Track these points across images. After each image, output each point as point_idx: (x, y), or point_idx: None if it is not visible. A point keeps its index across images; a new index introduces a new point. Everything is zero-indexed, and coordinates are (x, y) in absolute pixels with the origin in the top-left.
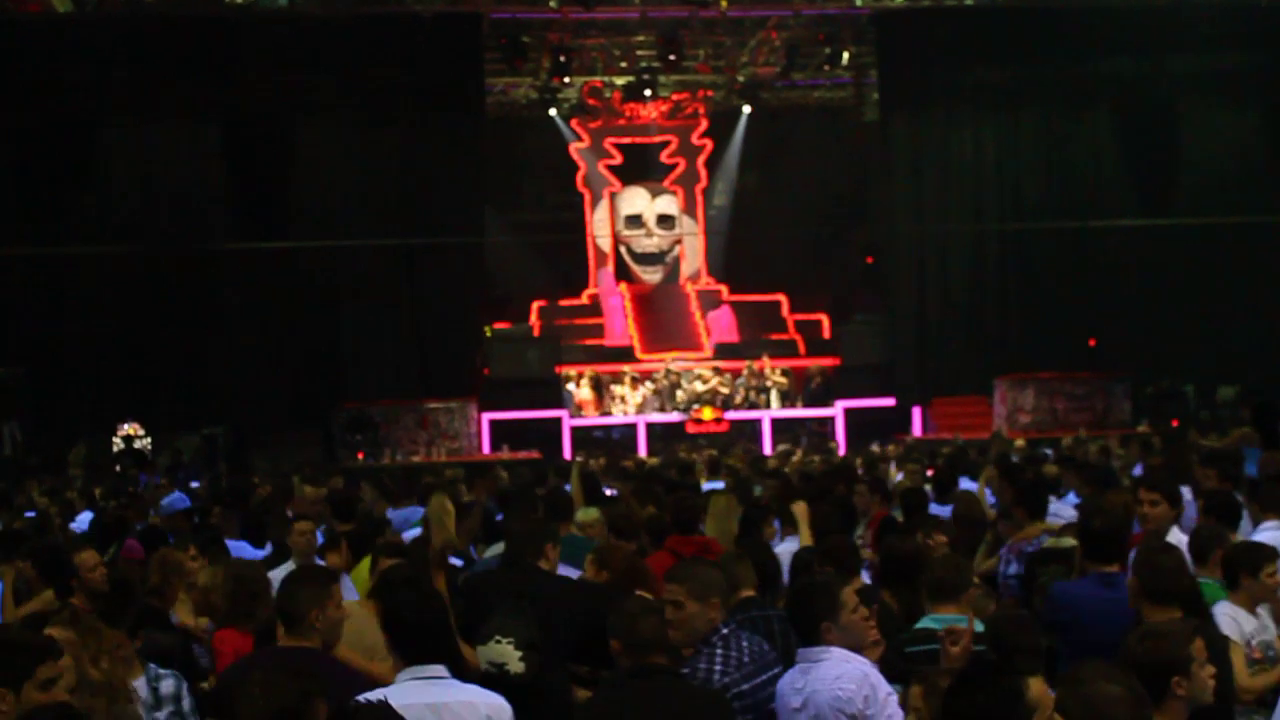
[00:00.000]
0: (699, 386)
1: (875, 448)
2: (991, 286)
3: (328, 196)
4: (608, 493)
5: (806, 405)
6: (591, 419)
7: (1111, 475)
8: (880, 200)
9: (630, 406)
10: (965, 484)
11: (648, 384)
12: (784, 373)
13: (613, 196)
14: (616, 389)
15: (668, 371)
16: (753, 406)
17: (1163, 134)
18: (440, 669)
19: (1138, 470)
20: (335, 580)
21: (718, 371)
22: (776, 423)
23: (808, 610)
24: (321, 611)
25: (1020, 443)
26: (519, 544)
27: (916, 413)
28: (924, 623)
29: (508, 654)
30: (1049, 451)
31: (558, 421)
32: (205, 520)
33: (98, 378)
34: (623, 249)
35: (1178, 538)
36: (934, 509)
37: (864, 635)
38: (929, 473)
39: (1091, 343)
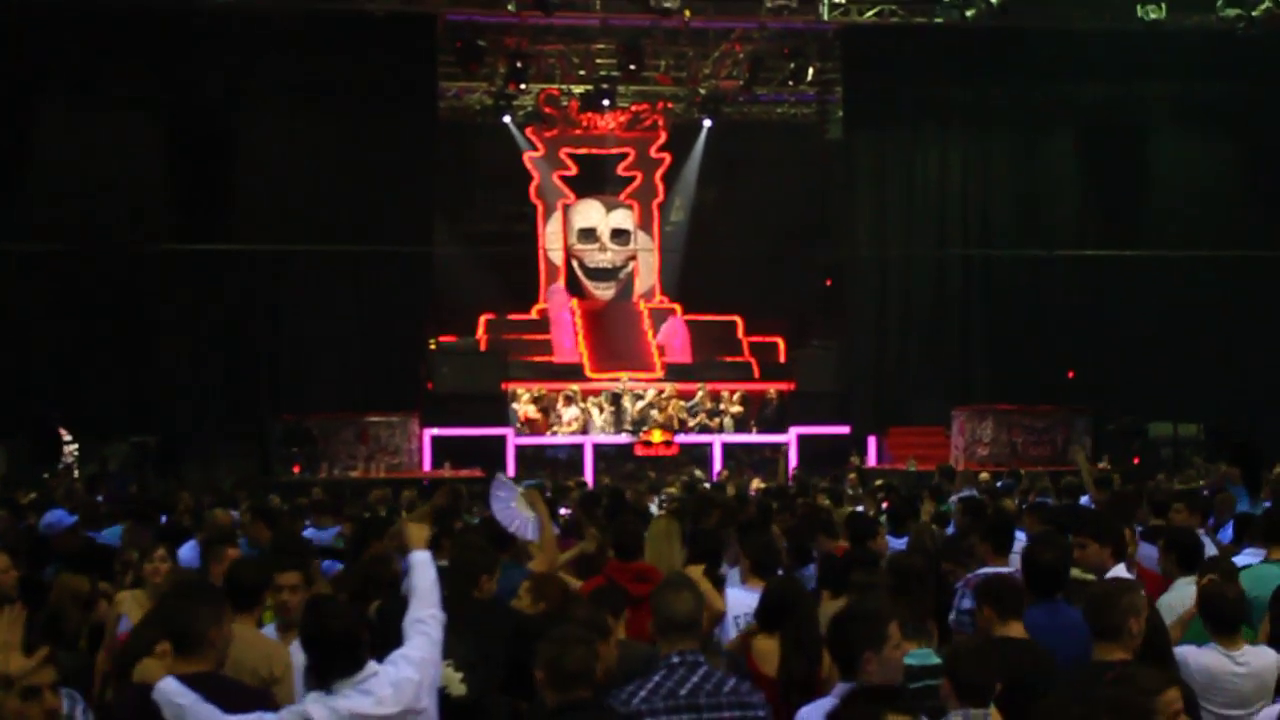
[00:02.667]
0: (654, 413)
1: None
2: (953, 313)
3: (273, 198)
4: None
5: (760, 430)
6: (537, 438)
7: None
8: (842, 221)
9: (577, 426)
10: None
11: (597, 403)
12: (742, 399)
13: (566, 209)
14: (564, 408)
15: (617, 394)
16: (705, 430)
17: (1132, 161)
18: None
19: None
20: (224, 596)
21: (678, 396)
22: (728, 448)
23: (850, 638)
24: (219, 629)
25: (985, 476)
26: (453, 572)
27: (872, 441)
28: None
29: (448, 676)
30: (1008, 484)
31: (502, 440)
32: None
33: (26, 380)
34: (575, 263)
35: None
36: (890, 542)
37: (897, 672)
38: (884, 504)
39: (1070, 375)
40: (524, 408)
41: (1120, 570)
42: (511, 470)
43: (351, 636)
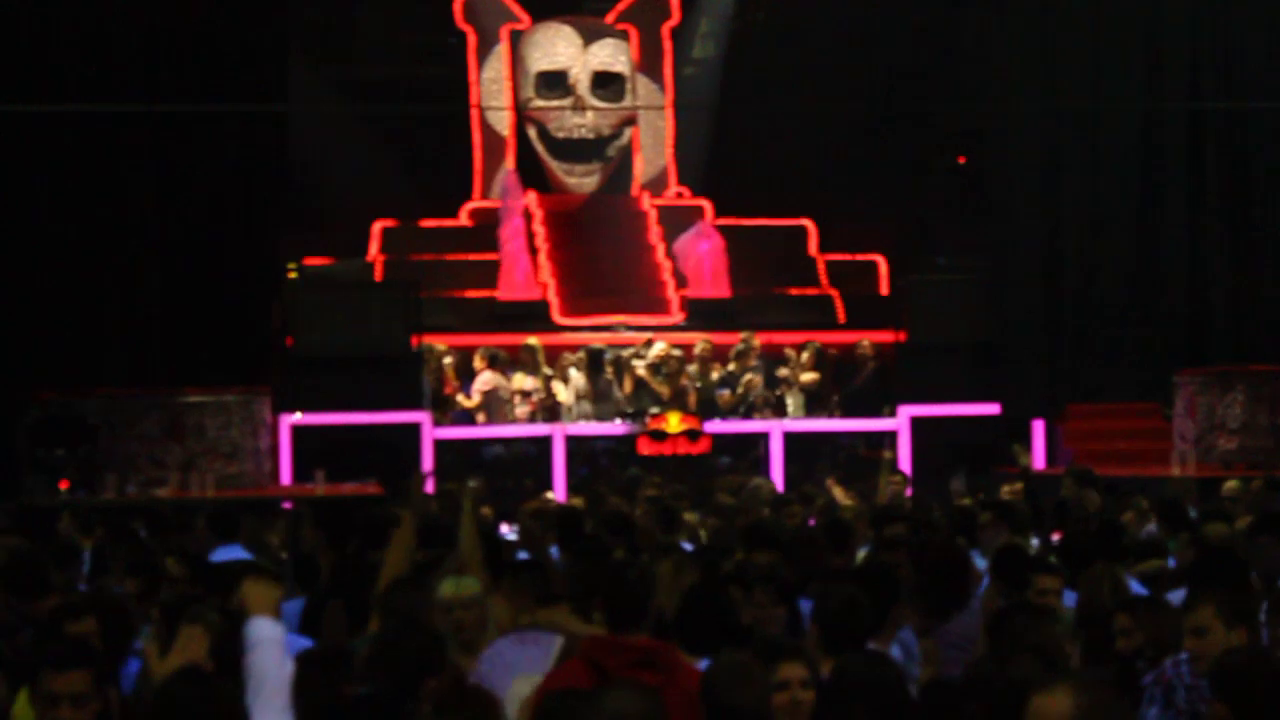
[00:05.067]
0: (660, 383)
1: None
2: (1174, 211)
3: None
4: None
5: (847, 413)
6: (472, 427)
7: None
8: (984, 60)
9: (536, 408)
10: None
11: (572, 365)
12: (816, 356)
13: (516, 39)
14: (516, 377)
15: (604, 352)
16: (753, 412)
17: None
18: None
19: None
20: None
21: (707, 354)
22: (794, 440)
23: None
24: None
25: (1232, 484)
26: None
27: (1039, 428)
28: None
29: None
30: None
31: (414, 430)
32: None
33: None
34: (532, 132)
35: None
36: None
37: None
38: (1055, 537)
39: None
40: (449, 377)
41: None
42: (430, 483)
43: None
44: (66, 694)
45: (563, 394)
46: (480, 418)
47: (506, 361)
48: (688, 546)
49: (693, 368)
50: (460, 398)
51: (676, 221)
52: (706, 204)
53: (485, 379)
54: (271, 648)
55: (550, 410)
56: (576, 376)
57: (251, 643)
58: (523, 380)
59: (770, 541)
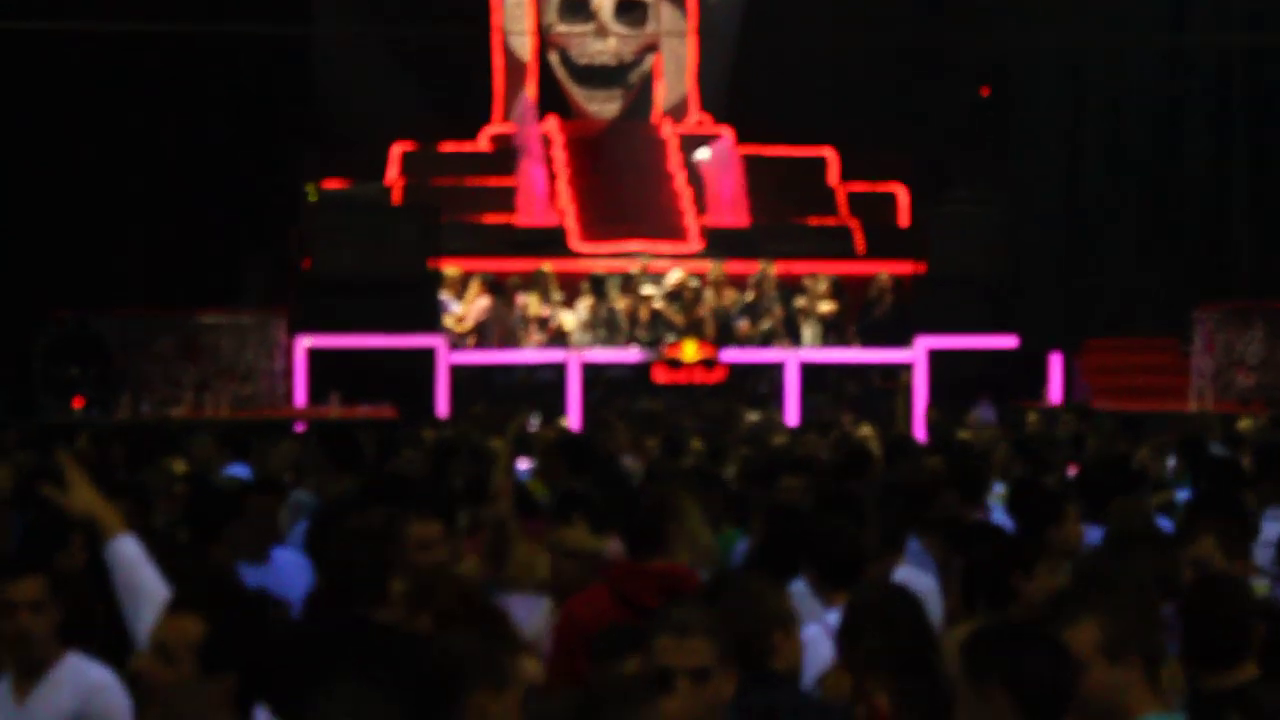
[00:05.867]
0: (673, 311)
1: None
2: (1196, 146)
3: None
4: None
5: (865, 342)
6: (490, 353)
7: None
8: None
9: (562, 333)
10: None
11: (588, 294)
12: (834, 290)
13: None
14: (533, 302)
15: (608, 279)
16: (770, 341)
17: None
18: None
19: None
20: None
21: (724, 282)
22: (811, 371)
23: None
24: None
25: (1246, 423)
26: (344, 582)
27: (1056, 361)
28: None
29: None
30: None
31: (428, 355)
32: None
33: None
34: (554, 58)
35: None
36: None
37: None
38: (1072, 470)
39: None
40: (468, 302)
41: None
42: (444, 406)
43: None
44: (23, 602)
45: (569, 321)
46: (470, 341)
47: (517, 286)
48: None
49: (709, 293)
50: (448, 320)
51: (697, 149)
52: (728, 131)
53: (481, 305)
54: (137, 568)
55: (560, 336)
56: (582, 304)
57: (115, 560)
58: (536, 306)
59: (797, 466)
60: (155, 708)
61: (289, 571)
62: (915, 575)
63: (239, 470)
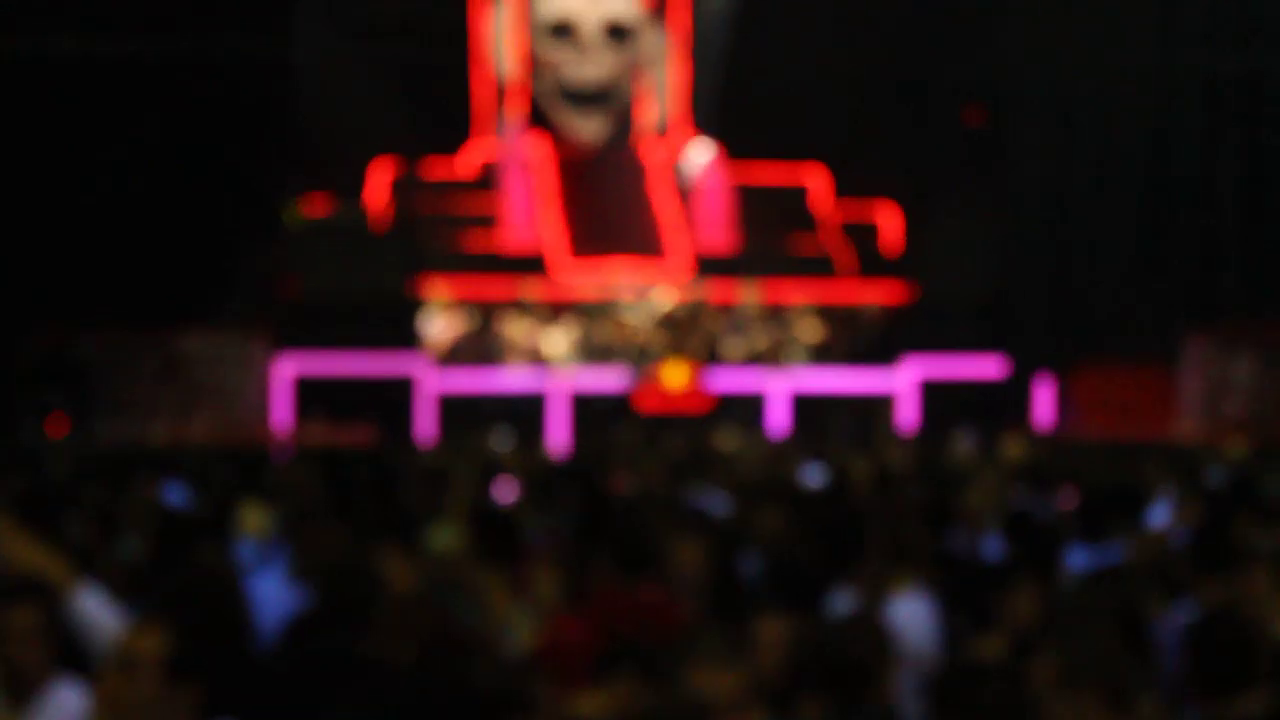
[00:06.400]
0: (657, 332)
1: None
2: (1188, 169)
3: None
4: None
5: (854, 364)
6: (471, 377)
7: None
8: (998, 12)
9: (543, 355)
10: None
11: (572, 317)
12: (821, 309)
13: None
14: (517, 325)
15: (594, 303)
16: (757, 364)
17: None
18: None
19: None
20: None
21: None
22: (800, 397)
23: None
24: None
25: (1237, 450)
26: (330, 611)
27: (1045, 387)
28: None
29: None
30: None
31: (412, 376)
32: None
33: None
34: (541, 80)
35: None
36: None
37: None
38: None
39: None
40: (448, 324)
41: None
42: (426, 430)
43: None
44: (17, 629)
45: (553, 345)
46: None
47: (500, 309)
48: None
49: (695, 319)
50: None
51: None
52: (716, 149)
53: (445, 327)
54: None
55: (542, 360)
56: (566, 328)
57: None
58: (517, 329)
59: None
60: None
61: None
62: (913, 602)
63: (175, 491)
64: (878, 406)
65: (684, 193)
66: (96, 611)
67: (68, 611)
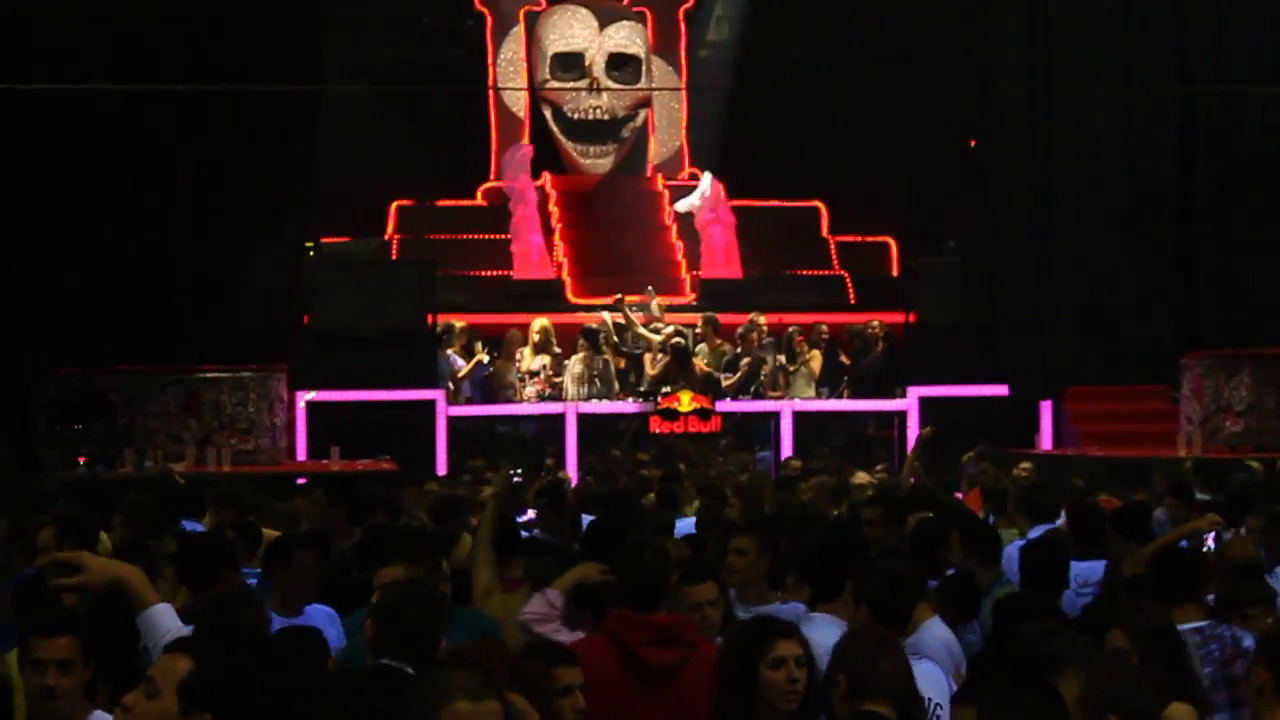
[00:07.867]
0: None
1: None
2: (1178, 193)
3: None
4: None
5: (856, 393)
6: (487, 407)
7: None
8: (991, 45)
9: (558, 385)
10: None
11: (583, 349)
12: (823, 337)
13: (533, 20)
14: (529, 356)
15: (600, 331)
16: (761, 392)
17: None
18: None
19: None
20: None
21: (714, 334)
22: (803, 419)
23: None
24: None
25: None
26: (382, 637)
27: (1045, 409)
28: None
29: None
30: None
31: (429, 407)
32: None
33: None
34: (549, 113)
35: None
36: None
37: None
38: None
39: None
40: (464, 355)
41: None
42: (443, 462)
43: None
44: (53, 660)
45: (564, 374)
46: (464, 397)
47: (514, 341)
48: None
49: (702, 347)
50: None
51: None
52: (718, 185)
53: (459, 362)
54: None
55: (558, 390)
56: (575, 357)
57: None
58: (531, 360)
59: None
60: None
61: (320, 625)
62: (938, 625)
63: (192, 526)
64: (884, 432)
65: (689, 222)
66: (174, 629)
67: (146, 622)
